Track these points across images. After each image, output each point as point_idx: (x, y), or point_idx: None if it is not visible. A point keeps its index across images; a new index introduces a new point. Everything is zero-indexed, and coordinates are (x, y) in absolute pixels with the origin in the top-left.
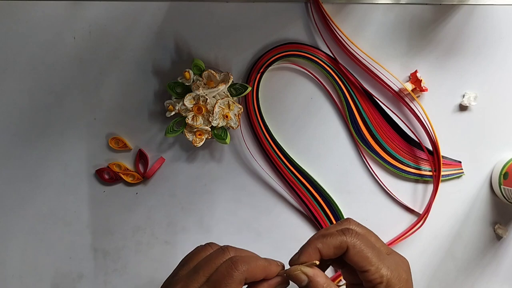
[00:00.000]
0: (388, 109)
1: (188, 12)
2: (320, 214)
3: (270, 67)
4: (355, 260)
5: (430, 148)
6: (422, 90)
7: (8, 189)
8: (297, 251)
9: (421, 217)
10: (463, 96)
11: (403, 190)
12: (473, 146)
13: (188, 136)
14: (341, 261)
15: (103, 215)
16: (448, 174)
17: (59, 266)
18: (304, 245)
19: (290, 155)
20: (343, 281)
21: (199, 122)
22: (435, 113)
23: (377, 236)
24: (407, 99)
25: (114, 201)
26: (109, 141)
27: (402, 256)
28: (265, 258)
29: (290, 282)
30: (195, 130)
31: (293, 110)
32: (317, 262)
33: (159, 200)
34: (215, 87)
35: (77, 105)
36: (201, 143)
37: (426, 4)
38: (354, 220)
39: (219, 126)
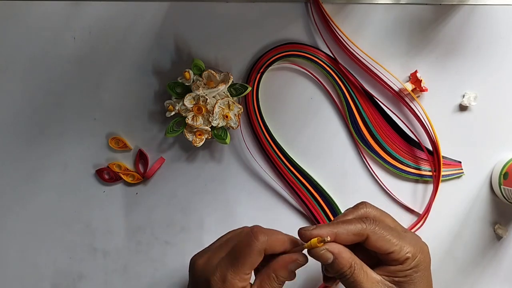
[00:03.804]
0: (388, 109)
1: (188, 12)
2: (320, 214)
3: (270, 67)
4: (378, 245)
5: (430, 148)
6: (422, 90)
7: (8, 190)
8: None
9: (421, 217)
10: (463, 96)
11: (403, 190)
12: (473, 146)
13: (188, 136)
14: (353, 247)
15: (103, 215)
16: (448, 174)
17: (59, 266)
18: (322, 225)
19: (290, 155)
20: None
21: (199, 122)
22: (435, 113)
23: (392, 217)
24: (407, 99)
25: (114, 201)
26: (109, 141)
27: (415, 234)
28: (286, 234)
29: (309, 260)
30: (195, 130)
31: (293, 110)
32: (330, 239)
33: (159, 200)
34: (215, 87)
35: (77, 105)
36: (201, 143)
37: (426, 4)
38: (369, 203)
39: (219, 126)
